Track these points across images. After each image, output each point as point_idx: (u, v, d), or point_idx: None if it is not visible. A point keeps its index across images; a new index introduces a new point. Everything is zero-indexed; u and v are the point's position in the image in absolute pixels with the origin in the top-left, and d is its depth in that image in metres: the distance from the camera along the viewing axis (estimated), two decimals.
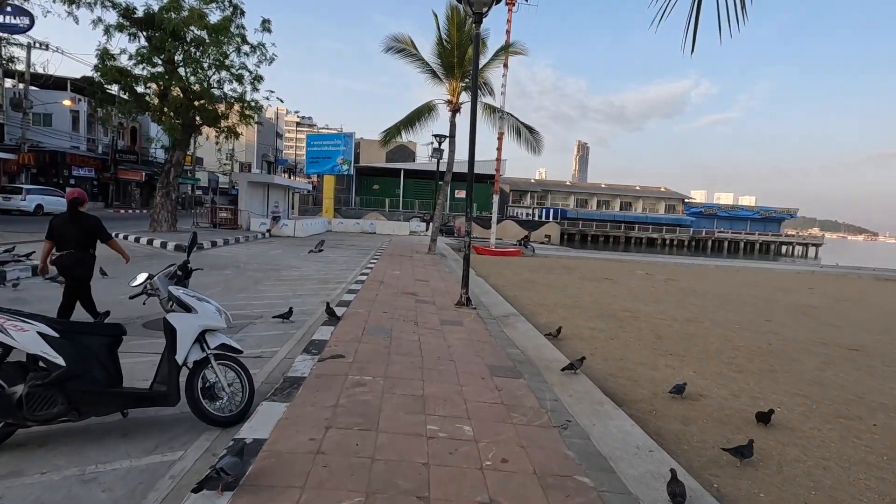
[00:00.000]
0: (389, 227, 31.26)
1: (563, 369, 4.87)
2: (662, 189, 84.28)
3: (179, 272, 3.61)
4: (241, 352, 3.59)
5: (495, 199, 24.17)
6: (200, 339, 3.37)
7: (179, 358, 3.22)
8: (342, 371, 4.16)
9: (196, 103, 19.03)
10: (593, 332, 7.33)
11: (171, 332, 3.24)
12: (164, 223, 18.92)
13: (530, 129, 16.13)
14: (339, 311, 6.63)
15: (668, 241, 69.42)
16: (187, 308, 3.33)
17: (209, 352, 3.40)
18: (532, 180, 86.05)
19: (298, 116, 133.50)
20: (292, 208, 43.26)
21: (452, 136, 16.28)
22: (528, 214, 63.88)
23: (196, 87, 18.56)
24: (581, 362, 4.84)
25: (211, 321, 3.37)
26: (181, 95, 18.50)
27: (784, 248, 77.29)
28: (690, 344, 7.04)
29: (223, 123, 20.00)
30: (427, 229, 32.85)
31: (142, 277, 3.59)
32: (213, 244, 16.12)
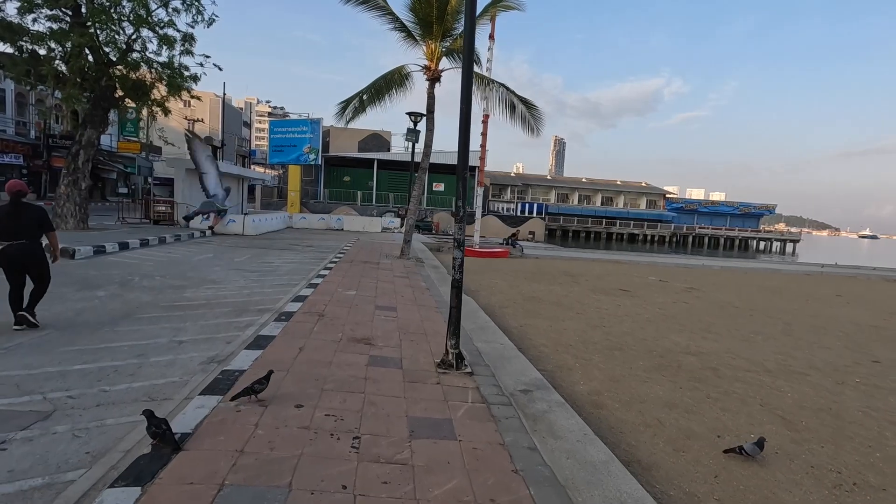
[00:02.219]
0: (359, 223, 27.78)
1: None
2: (643, 184, 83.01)
3: None
4: None
5: (479, 191, 21.05)
6: None
7: None
8: None
9: (113, 70, 15.24)
10: (673, 415, 4.23)
11: None
12: (71, 219, 15.10)
13: (527, 104, 12.96)
14: (200, 412, 3.32)
15: (649, 237, 68.61)
16: None
17: None
18: (512, 174, 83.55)
19: (270, 106, 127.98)
20: (250, 201, 39.28)
21: (431, 111, 12.98)
22: (508, 209, 61.29)
23: (108, 47, 14.78)
24: None
25: None
26: (90, 58, 14.67)
27: (762, 245, 77.15)
28: (871, 446, 3.98)
29: (153, 95, 16.24)
30: (401, 226, 29.52)
31: None
32: (123, 246, 12.48)
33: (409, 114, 14.68)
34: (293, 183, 37.54)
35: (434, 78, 12.94)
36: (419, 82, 12.71)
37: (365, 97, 12.67)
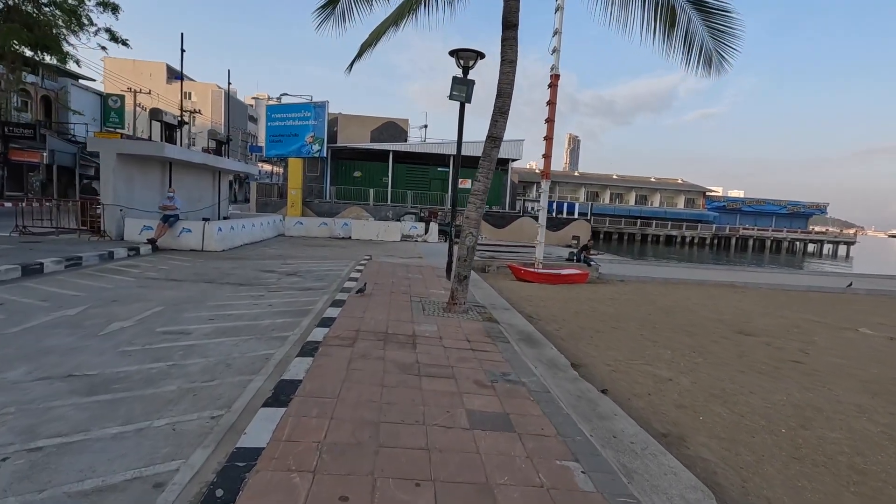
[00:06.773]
0: (372, 229, 21.39)
1: None
2: (680, 181, 76.28)
3: None
4: None
5: (545, 186, 14.60)
6: None
7: None
8: None
9: None
10: None
11: None
12: None
13: (708, 9, 6.48)
14: None
15: (688, 239, 62.19)
16: None
17: None
18: (536, 170, 76.81)
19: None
20: (243, 201, 33.16)
21: (512, 24, 6.58)
22: (536, 209, 54.81)
23: None
24: None
25: None
26: None
27: (811, 248, 70.19)
28: None
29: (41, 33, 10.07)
30: (426, 231, 23.14)
31: None
32: None
33: (455, 52, 8.33)
34: (294, 179, 31.39)
35: None
36: None
37: None
